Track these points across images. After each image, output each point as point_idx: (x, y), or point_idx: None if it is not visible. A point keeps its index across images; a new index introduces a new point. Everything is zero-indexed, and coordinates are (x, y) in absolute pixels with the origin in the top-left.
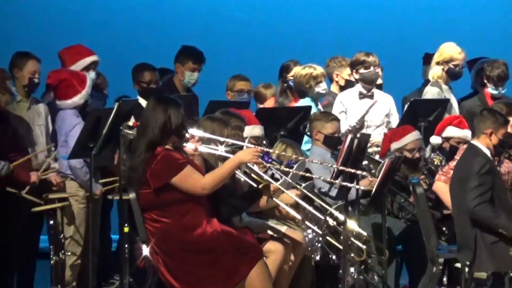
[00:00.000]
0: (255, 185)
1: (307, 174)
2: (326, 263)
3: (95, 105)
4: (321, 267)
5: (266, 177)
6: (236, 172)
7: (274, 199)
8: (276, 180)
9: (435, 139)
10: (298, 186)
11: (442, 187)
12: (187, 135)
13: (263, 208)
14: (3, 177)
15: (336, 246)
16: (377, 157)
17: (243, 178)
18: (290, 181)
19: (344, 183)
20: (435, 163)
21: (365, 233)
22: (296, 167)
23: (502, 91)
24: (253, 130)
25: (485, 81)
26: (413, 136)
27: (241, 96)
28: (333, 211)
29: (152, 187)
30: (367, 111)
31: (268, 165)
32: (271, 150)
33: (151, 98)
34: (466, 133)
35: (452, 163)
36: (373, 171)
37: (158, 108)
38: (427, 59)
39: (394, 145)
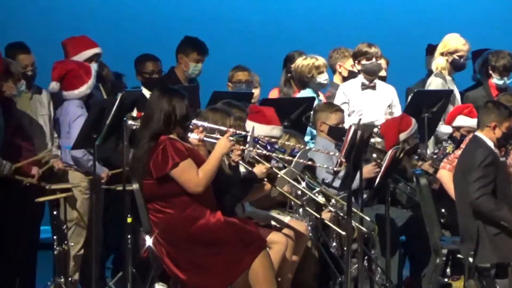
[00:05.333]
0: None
1: (310, 162)
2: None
3: (99, 97)
4: (325, 258)
5: (270, 165)
6: (240, 163)
7: (277, 187)
8: (280, 169)
9: (445, 129)
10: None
11: (446, 176)
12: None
13: (265, 192)
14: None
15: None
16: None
17: (249, 168)
18: (293, 169)
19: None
20: (447, 151)
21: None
22: (298, 155)
23: (507, 81)
24: (272, 131)
25: (490, 71)
26: (415, 123)
27: (239, 86)
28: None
29: (154, 177)
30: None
31: (271, 153)
32: (243, 133)
33: (155, 89)
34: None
35: (458, 152)
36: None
37: (162, 99)
38: (430, 50)
39: (403, 135)
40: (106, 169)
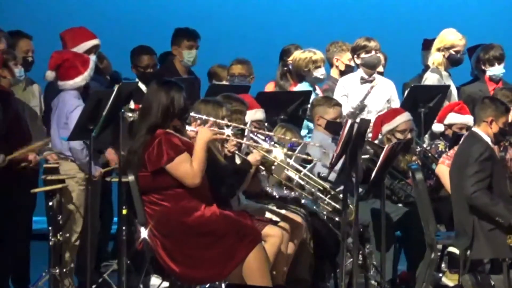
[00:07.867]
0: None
1: (309, 157)
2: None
3: (97, 88)
4: (320, 252)
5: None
6: (236, 152)
7: (274, 175)
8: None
9: (437, 127)
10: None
11: (444, 171)
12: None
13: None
14: None
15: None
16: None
17: (242, 157)
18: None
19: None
20: (440, 149)
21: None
22: (298, 150)
23: (501, 71)
24: (256, 114)
25: (482, 66)
26: (404, 117)
27: (232, 80)
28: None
29: (149, 170)
30: (367, 95)
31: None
32: (222, 121)
33: (153, 81)
34: (468, 119)
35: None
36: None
37: (160, 92)
38: (426, 44)
39: (386, 127)
40: (99, 168)
